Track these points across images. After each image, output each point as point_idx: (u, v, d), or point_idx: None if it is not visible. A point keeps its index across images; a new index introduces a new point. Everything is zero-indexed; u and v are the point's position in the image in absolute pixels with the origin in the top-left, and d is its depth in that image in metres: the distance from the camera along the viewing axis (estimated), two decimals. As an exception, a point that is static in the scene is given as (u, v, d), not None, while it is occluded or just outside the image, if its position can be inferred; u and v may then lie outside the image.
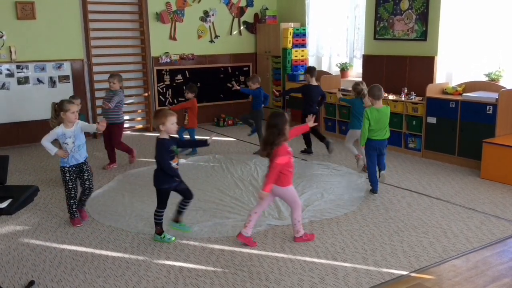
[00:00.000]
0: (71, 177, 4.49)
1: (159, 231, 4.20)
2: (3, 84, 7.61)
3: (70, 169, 4.47)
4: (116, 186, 5.74)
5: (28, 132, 7.83)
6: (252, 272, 3.64)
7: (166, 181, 4.06)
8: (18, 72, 7.69)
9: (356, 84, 6.25)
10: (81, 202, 4.72)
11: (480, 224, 4.50)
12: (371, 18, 7.80)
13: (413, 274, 3.60)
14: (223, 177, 5.98)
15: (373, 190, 5.33)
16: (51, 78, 7.93)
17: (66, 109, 4.36)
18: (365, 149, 5.29)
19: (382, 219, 4.65)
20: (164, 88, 9.07)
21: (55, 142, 4.46)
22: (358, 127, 5.96)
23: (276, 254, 3.93)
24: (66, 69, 8.04)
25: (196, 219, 4.66)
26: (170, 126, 3.99)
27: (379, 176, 5.36)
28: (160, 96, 9.01)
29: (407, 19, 7.26)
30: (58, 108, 4.39)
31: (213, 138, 4.35)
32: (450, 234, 4.29)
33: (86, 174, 4.57)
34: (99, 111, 8.26)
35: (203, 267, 3.73)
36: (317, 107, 7.04)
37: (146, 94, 8.82)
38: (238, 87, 7.43)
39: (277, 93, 8.05)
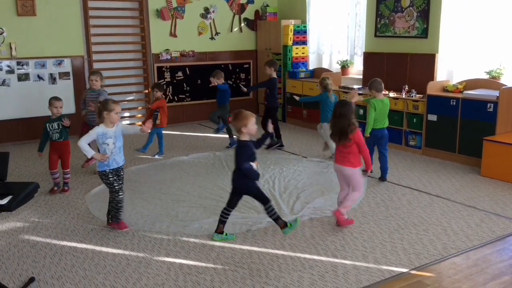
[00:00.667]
0: (115, 177, 4.23)
1: (221, 230, 4.14)
2: (4, 81, 7.60)
3: (111, 171, 4.21)
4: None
5: (29, 129, 7.82)
6: (252, 269, 3.64)
7: (246, 183, 3.99)
8: (18, 69, 7.68)
9: (322, 79, 6.65)
10: (111, 211, 4.36)
11: (480, 221, 4.50)
12: (372, 15, 7.79)
13: (413, 272, 3.60)
14: (224, 174, 5.98)
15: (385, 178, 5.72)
16: (51, 74, 7.92)
17: (111, 109, 4.15)
18: (368, 139, 5.42)
19: (382, 216, 4.66)
20: (165, 85, 9.05)
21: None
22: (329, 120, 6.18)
23: (276, 251, 3.93)
24: (67, 66, 8.03)
25: (196, 216, 4.67)
26: (252, 127, 3.91)
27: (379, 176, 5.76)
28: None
29: (408, 16, 7.25)
30: (102, 107, 4.18)
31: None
32: (450, 231, 4.29)
33: (121, 181, 4.31)
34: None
35: (203, 264, 3.74)
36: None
37: (147, 91, 8.81)
38: (245, 89, 7.63)
39: (245, 89, 7.79)
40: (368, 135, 5.51)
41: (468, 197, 5.15)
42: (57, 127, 5.24)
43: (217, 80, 7.19)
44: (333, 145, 5.97)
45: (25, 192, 3.18)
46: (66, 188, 5.41)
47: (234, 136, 7.07)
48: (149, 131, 4.49)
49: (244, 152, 3.87)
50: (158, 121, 6.80)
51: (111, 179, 4.24)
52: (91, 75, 6.15)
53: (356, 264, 3.71)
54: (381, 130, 5.63)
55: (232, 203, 4.13)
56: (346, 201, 4.35)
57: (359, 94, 7.54)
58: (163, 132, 6.95)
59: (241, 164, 3.85)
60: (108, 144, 4.18)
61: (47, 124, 5.25)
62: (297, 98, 7.35)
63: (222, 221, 4.15)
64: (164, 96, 7.03)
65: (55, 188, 5.41)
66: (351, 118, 4.20)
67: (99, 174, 4.28)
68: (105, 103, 4.24)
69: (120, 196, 4.30)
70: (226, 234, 4.15)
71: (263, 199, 4.01)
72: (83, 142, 4.16)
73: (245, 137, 3.94)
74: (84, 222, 4.60)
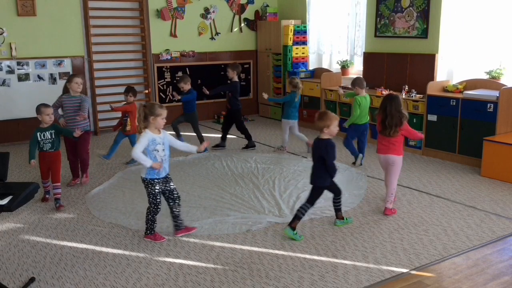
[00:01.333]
0: (160, 189, 4.08)
1: (295, 225, 4.19)
2: (4, 81, 7.61)
3: (160, 181, 4.06)
4: (116, 183, 5.74)
5: (29, 129, 7.74)
6: (252, 269, 3.65)
7: (325, 179, 4.19)
8: (18, 69, 7.68)
9: (292, 79, 6.90)
10: (177, 217, 4.23)
11: (480, 222, 4.50)
12: (372, 15, 7.79)
13: (413, 272, 3.60)
14: (224, 175, 5.98)
15: (356, 156, 6.29)
16: (51, 75, 7.93)
17: (158, 114, 3.94)
18: (349, 131, 6.20)
19: (382, 216, 4.66)
20: (165, 85, 9.06)
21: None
22: (294, 117, 6.86)
23: (276, 252, 3.93)
24: (67, 66, 8.04)
25: (196, 217, 4.67)
26: (334, 129, 4.13)
27: (355, 161, 6.35)
28: (161, 93, 9.01)
29: (408, 16, 7.25)
30: (148, 112, 3.94)
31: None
32: (450, 232, 4.29)
33: (172, 184, 4.17)
34: (100, 107, 8.27)
35: (203, 264, 3.74)
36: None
37: (147, 91, 8.81)
38: (207, 92, 7.26)
39: (208, 92, 7.41)
40: (347, 126, 6.20)
41: (468, 197, 5.15)
42: (49, 137, 4.94)
43: (185, 85, 6.98)
44: (287, 138, 6.97)
45: (25, 193, 3.18)
46: (59, 204, 4.94)
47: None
48: (203, 149, 4.36)
49: (334, 151, 4.10)
50: (128, 127, 6.36)
51: (157, 190, 4.04)
52: (75, 78, 5.63)
53: (356, 264, 3.71)
54: (364, 124, 6.21)
55: (314, 200, 4.26)
56: (388, 196, 4.68)
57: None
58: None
59: (331, 162, 4.09)
60: (158, 151, 3.97)
61: (38, 133, 4.92)
62: (265, 96, 7.33)
63: (298, 217, 4.21)
64: (134, 101, 6.44)
65: (47, 196, 5.15)
66: (402, 111, 4.50)
67: (145, 181, 4.04)
68: (152, 107, 3.97)
69: (158, 210, 4.11)
70: (296, 233, 4.17)
71: (338, 191, 4.39)
72: (138, 152, 3.90)
73: (325, 136, 4.16)
74: (84, 222, 4.60)
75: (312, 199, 4.23)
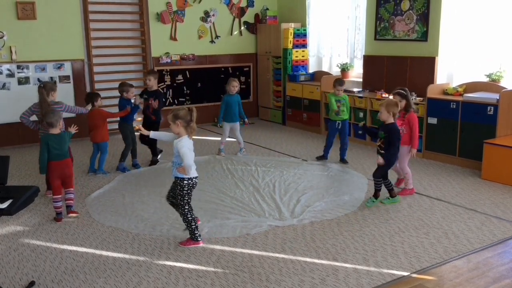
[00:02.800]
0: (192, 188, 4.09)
1: (378, 195, 5.04)
2: (4, 84, 7.61)
3: (193, 180, 4.05)
4: (116, 187, 5.74)
5: (29, 133, 7.76)
6: (252, 273, 3.64)
7: (394, 160, 5.05)
8: (18, 72, 7.69)
9: (234, 81, 7.06)
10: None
11: (481, 225, 4.49)
12: (372, 18, 7.80)
13: (414, 275, 3.60)
14: (224, 178, 5.98)
15: (325, 157, 6.68)
16: (51, 78, 7.92)
17: (193, 119, 3.98)
18: (330, 126, 6.66)
19: (383, 219, 4.65)
20: (165, 89, 9.06)
21: None
22: (235, 120, 7.01)
23: (277, 255, 3.93)
24: (67, 69, 8.04)
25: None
26: (395, 117, 4.94)
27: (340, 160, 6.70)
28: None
29: (407, 19, 7.26)
30: (190, 117, 3.94)
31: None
32: (451, 235, 4.28)
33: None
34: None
35: (204, 268, 3.73)
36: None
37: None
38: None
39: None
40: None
41: (468, 200, 5.14)
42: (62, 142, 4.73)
43: (127, 94, 6.39)
44: (224, 139, 7.07)
45: (25, 196, 3.18)
46: (72, 210, 4.79)
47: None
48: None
49: (399, 134, 4.93)
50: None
51: (189, 189, 4.03)
52: (43, 88, 5.35)
53: (357, 268, 3.70)
54: (335, 121, 6.60)
55: (387, 174, 5.06)
56: (406, 184, 5.39)
57: (359, 97, 7.60)
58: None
59: (397, 143, 4.90)
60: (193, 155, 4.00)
61: (49, 143, 4.66)
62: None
63: (377, 189, 5.03)
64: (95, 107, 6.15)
65: (60, 217, 4.69)
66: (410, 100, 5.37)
67: (185, 181, 3.98)
68: (189, 113, 3.93)
69: (186, 209, 4.07)
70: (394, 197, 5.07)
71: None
72: (192, 161, 3.91)
73: (391, 120, 4.89)
74: (84, 226, 4.59)
75: (386, 174, 5.05)
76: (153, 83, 6.64)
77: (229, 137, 7.15)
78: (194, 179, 4.04)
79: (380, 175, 5.00)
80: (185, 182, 4.00)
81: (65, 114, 5.62)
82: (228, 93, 6.98)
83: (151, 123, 6.41)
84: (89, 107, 6.01)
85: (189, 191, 4.04)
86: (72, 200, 4.82)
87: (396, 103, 4.98)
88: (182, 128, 3.94)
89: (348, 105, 6.60)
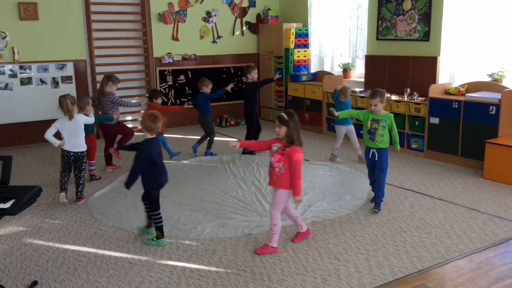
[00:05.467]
0: None
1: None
2: (6, 85, 7.62)
3: None
4: (118, 187, 5.74)
5: (31, 133, 7.84)
6: (254, 273, 3.64)
7: None
8: (21, 73, 7.70)
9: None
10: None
11: (483, 224, 4.49)
12: (374, 18, 7.80)
13: (416, 275, 3.59)
14: (226, 178, 5.98)
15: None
16: (54, 78, 7.95)
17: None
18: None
19: (385, 219, 4.65)
20: (167, 89, 9.07)
21: None
22: (350, 123, 6.63)
23: (279, 255, 3.93)
24: (69, 70, 8.06)
25: (198, 220, 4.67)
26: None
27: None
28: (163, 97, 9.00)
29: (409, 19, 7.25)
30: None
31: None
32: (453, 234, 4.28)
33: None
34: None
35: (206, 268, 3.74)
36: None
37: (148, 95, 8.82)
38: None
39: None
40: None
41: (470, 200, 5.14)
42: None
43: (206, 88, 6.86)
44: (338, 144, 6.58)
45: (28, 196, 3.18)
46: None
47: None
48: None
49: None
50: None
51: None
52: (109, 80, 6.27)
53: (358, 267, 3.70)
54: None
55: None
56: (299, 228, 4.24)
57: (361, 97, 7.57)
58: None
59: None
60: None
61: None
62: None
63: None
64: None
65: (93, 179, 5.95)
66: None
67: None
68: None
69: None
70: None
71: None
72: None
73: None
74: (87, 225, 4.61)
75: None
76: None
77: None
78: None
79: None
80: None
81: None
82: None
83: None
84: (229, 86, 6.84)
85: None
86: (92, 171, 5.93)
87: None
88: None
89: (392, 128, 4.82)
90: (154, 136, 4.09)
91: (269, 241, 3.97)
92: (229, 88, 7.24)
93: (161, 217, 4.15)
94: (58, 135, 5.06)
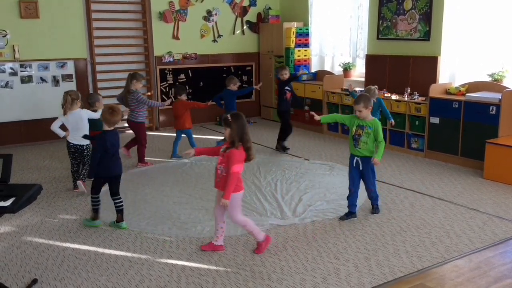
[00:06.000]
0: None
1: None
2: (7, 83, 7.62)
3: None
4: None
5: (31, 131, 7.84)
6: (254, 272, 3.64)
7: None
8: (21, 71, 7.70)
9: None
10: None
11: (483, 224, 4.49)
12: (374, 17, 7.79)
13: (415, 274, 3.60)
14: (226, 177, 5.98)
15: (352, 213, 4.72)
16: (54, 77, 7.95)
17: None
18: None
19: (385, 219, 4.65)
20: (167, 88, 9.07)
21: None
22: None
23: (279, 254, 3.93)
24: (70, 68, 8.05)
25: (198, 219, 4.67)
26: None
27: None
28: (163, 96, 9.01)
29: (410, 19, 7.25)
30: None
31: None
32: (452, 234, 4.28)
33: None
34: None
35: (206, 266, 3.74)
36: None
37: (149, 94, 8.81)
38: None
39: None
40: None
41: (470, 200, 5.14)
42: None
43: (234, 86, 7.21)
44: None
45: (28, 194, 3.18)
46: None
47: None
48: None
49: None
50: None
51: None
52: (133, 78, 6.35)
53: (358, 267, 3.70)
54: None
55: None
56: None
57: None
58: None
59: None
60: None
61: None
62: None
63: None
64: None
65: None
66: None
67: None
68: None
69: None
70: None
71: None
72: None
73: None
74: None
75: None
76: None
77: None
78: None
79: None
80: None
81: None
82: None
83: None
84: (167, 102, 6.91)
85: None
86: None
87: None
88: None
89: (377, 135, 4.48)
90: (111, 128, 4.42)
91: (256, 239, 3.95)
92: (257, 87, 7.72)
93: (99, 201, 4.53)
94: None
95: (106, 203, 5.15)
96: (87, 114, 5.50)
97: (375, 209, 4.80)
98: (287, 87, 7.08)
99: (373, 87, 5.96)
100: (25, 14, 7.61)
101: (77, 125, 5.38)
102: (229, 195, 3.70)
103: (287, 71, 7.16)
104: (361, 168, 4.59)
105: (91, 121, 5.51)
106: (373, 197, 4.77)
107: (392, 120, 6.28)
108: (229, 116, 3.74)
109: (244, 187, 3.91)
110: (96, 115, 5.53)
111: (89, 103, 5.79)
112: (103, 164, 4.35)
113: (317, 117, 4.80)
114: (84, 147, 5.48)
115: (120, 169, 4.51)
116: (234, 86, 7.22)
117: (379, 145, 4.47)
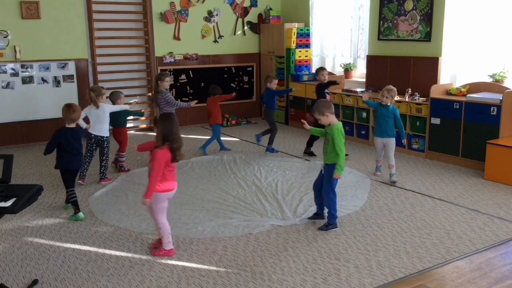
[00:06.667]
0: None
1: None
2: (8, 84, 7.64)
3: None
4: (119, 186, 5.75)
5: (32, 131, 7.85)
6: (255, 272, 3.64)
7: None
8: (22, 72, 7.71)
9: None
10: None
11: (484, 225, 4.49)
12: (375, 18, 7.79)
13: (416, 275, 3.59)
14: (227, 177, 5.99)
15: (320, 215, 4.61)
16: (55, 77, 7.96)
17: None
18: None
19: (385, 220, 4.65)
20: (168, 88, 9.05)
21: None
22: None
23: (279, 254, 3.93)
24: (71, 69, 8.07)
25: (199, 219, 4.67)
26: None
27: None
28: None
29: (411, 19, 7.25)
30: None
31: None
32: (453, 235, 4.28)
33: None
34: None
35: (206, 267, 3.74)
36: None
37: (150, 94, 8.83)
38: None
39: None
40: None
41: (471, 201, 5.14)
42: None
43: (270, 84, 7.15)
44: (379, 157, 6.06)
45: (29, 195, 3.19)
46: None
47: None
48: None
49: None
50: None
51: None
52: (158, 79, 6.69)
53: (359, 268, 3.70)
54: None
55: None
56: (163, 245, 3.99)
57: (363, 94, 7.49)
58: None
59: None
60: None
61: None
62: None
63: None
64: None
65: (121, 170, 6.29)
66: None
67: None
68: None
69: None
70: None
71: None
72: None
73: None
74: (88, 224, 4.61)
75: None
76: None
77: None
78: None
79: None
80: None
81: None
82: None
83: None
84: (194, 102, 7.01)
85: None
86: (121, 162, 6.29)
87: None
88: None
89: (337, 142, 4.22)
90: (70, 125, 4.64)
91: (162, 245, 3.91)
92: (295, 89, 8.09)
93: (74, 193, 4.70)
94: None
95: (106, 203, 5.16)
96: (110, 108, 5.83)
97: (324, 226, 4.37)
98: (326, 91, 6.98)
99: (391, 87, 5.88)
100: (26, 14, 7.62)
101: (99, 118, 5.67)
102: (150, 194, 3.75)
103: (327, 72, 7.14)
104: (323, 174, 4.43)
105: (111, 115, 5.85)
106: (326, 205, 4.42)
107: (405, 140, 5.96)
108: (157, 116, 4.05)
109: (175, 188, 3.91)
110: (117, 107, 5.93)
111: (111, 100, 6.08)
112: (62, 158, 4.63)
113: (307, 127, 4.58)
114: (105, 138, 5.75)
115: (78, 165, 4.79)
116: (270, 84, 7.17)
117: (338, 153, 4.20)
